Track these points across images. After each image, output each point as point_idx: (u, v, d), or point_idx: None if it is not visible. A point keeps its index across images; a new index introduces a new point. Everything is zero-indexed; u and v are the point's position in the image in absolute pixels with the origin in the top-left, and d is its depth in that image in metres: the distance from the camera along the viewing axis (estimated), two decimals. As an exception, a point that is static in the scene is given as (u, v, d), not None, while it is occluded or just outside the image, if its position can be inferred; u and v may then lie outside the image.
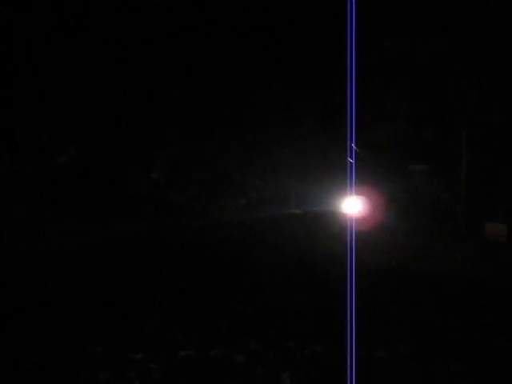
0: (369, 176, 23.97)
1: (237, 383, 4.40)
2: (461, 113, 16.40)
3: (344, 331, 5.65)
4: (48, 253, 14.61)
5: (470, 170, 17.67)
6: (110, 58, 21.55)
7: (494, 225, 14.99)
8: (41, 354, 4.88)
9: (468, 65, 16.17)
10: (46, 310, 7.08)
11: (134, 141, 24.48)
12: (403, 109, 19.84)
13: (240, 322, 6.27)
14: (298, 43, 21.01)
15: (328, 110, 22.05)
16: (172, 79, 22.47)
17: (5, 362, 4.71)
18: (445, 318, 6.51)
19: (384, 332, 5.80)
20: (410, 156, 22.20)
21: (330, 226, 16.85)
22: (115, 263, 11.69)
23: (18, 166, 20.32)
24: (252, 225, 21.44)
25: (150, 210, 28.08)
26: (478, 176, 18.20)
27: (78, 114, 21.74)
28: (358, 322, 6.10)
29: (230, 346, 5.15)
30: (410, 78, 18.82)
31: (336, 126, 20.15)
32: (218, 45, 22.24)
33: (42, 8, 16.58)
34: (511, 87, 16.74)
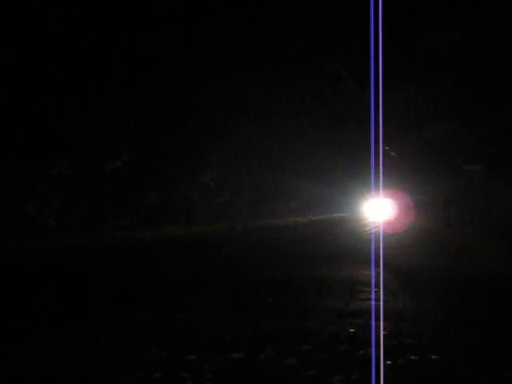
0: (400, 178, 23.56)
1: (288, 386, 4.41)
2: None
3: (397, 333, 5.59)
4: (108, 245, 15.05)
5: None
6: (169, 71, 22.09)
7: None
8: (98, 351, 5.03)
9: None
10: (108, 306, 7.26)
11: (186, 145, 24.96)
12: (455, 107, 19.35)
13: (292, 323, 6.29)
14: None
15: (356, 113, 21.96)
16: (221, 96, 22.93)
17: (69, 359, 4.85)
18: (502, 322, 6.33)
19: (436, 334, 5.70)
20: (463, 156, 21.59)
21: (358, 233, 16.76)
22: (184, 261, 11.91)
23: (77, 168, 21.11)
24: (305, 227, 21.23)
25: (203, 214, 28.51)
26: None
27: (132, 120, 22.35)
28: (409, 323, 6.03)
29: (281, 348, 5.17)
30: (461, 74, 18.34)
31: (363, 130, 20.14)
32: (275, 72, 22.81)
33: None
34: None
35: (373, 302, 7.60)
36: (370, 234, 18.69)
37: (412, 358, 4.88)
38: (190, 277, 10.55)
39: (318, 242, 17.21)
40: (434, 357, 4.88)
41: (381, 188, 21.15)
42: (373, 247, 14.86)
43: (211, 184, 28.02)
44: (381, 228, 20.89)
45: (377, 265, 11.23)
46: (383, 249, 14.32)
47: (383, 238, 16.92)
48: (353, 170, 28.54)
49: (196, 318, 6.60)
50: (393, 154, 23.24)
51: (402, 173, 24.67)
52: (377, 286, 8.97)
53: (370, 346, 5.23)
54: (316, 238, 19.41)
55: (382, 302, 7.58)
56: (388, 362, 4.76)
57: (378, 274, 10.41)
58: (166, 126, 24.06)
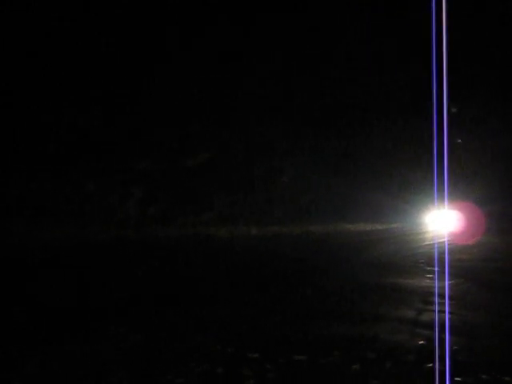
0: (468, 188, 22.44)
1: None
2: None
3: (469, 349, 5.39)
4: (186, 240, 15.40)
5: None
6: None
7: None
8: (167, 340, 5.19)
9: None
10: (177, 302, 7.45)
11: (263, 145, 25.17)
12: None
13: (360, 330, 6.21)
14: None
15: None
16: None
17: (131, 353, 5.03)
18: None
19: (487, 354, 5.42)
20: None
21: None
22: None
23: (163, 164, 21.86)
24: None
25: (279, 215, 28.62)
26: None
27: (213, 119, 22.85)
28: (483, 340, 5.78)
29: (347, 353, 5.11)
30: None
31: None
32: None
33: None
34: None
35: (446, 315, 7.35)
36: (439, 244, 18.07)
37: (483, 377, 4.68)
38: (262, 276, 10.62)
39: (385, 249, 16.84)
40: (506, 378, 4.66)
41: (446, 198, 20.43)
42: (447, 258, 14.35)
43: (287, 186, 28.18)
44: (448, 239, 20.13)
45: (453, 276, 10.84)
46: (457, 260, 13.82)
47: (454, 249, 16.34)
48: (415, 179, 27.91)
49: (265, 318, 6.64)
50: (459, 141, 22.14)
51: (471, 182, 23.76)
52: (452, 298, 8.66)
53: (439, 360, 5.07)
54: (384, 244, 19.01)
55: (455, 316, 7.32)
56: (457, 379, 4.60)
57: (454, 285, 10.05)
58: (246, 126, 24.37)
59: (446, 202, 22.03)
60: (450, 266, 12.47)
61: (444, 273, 11.51)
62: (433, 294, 9.00)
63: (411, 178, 29.34)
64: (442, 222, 26.67)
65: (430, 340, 5.81)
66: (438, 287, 9.84)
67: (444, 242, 18.42)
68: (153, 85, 20.07)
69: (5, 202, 17.07)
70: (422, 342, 5.71)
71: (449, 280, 10.43)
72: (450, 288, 9.74)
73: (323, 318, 6.81)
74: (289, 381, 4.37)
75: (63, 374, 4.13)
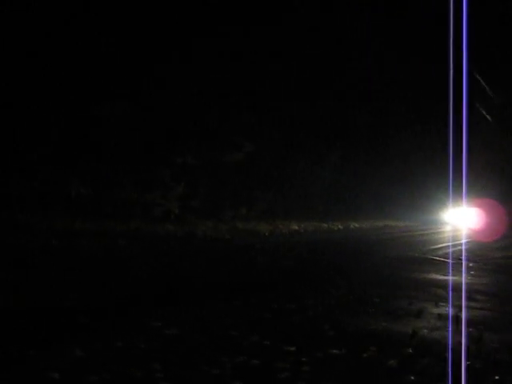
0: (488, 184, 21.77)
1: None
2: None
3: None
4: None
5: None
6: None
7: None
8: (202, 332, 5.26)
9: None
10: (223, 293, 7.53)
11: (307, 139, 25.14)
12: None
13: (398, 325, 6.16)
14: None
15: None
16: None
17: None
18: None
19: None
20: None
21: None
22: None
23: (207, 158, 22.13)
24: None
25: (320, 210, 28.52)
26: None
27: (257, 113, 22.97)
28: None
29: (384, 349, 5.08)
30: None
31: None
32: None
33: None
34: None
35: (488, 312, 7.22)
36: (465, 241, 17.65)
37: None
38: (298, 269, 10.61)
39: (413, 245, 16.65)
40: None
41: (465, 195, 19.87)
42: (494, 255, 14.02)
43: (326, 184, 28.15)
44: (469, 236, 19.60)
45: (494, 272, 10.63)
46: (491, 258, 13.54)
47: (481, 247, 16.02)
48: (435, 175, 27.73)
49: (302, 311, 6.66)
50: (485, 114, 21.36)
51: (490, 178, 23.07)
52: (494, 295, 8.50)
53: (477, 358, 4.99)
54: (409, 240, 18.85)
55: (496, 313, 7.18)
56: (496, 378, 4.52)
57: (496, 283, 9.86)
58: (286, 124, 24.43)
59: (464, 199, 21.57)
60: (491, 262, 12.23)
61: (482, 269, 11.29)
62: (476, 291, 8.84)
63: (430, 175, 29.33)
64: (461, 219, 26.12)
65: (472, 338, 5.71)
66: (480, 284, 9.66)
67: (461, 241, 17.97)
68: (193, 81, 20.28)
69: (51, 196, 17.56)
70: (459, 339, 5.62)
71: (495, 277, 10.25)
72: (493, 285, 9.57)
73: (361, 312, 6.78)
74: (324, 374, 4.37)
75: (97, 367, 4.23)
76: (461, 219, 26.15)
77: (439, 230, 23.81)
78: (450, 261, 12.17)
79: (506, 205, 21.84)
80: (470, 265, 11.91)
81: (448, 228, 24.84)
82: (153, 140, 20.56)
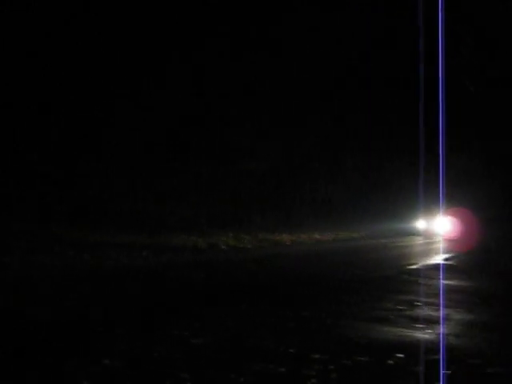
0: (463, 194, 21.43)
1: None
2: None
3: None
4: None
5: None
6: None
7: None
8: (229, 341, 5.32)
9: None
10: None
11: (320, 150, 25.19)
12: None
13: (425, 333, 6.17)
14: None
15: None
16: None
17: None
18: None
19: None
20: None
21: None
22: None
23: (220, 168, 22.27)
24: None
25: (335, 219, 28.44)
26: None
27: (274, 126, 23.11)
28: None
29: (411, 356, 5.10)
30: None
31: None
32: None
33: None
34: None
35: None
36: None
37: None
38: (319, 278, 10.61)
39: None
40: None
41: (441, 204, 19.62)
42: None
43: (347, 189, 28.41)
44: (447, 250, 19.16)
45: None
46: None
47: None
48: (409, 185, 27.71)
49: (329, 319, 6.68)
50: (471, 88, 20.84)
51: (465, 187, 22.69)
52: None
53: (504, 365, 4.98)
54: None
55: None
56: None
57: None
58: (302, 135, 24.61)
59: (440, 209, 21.39)
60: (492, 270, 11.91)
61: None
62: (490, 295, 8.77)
63: (406, 184, 29.42)
64: (437, 228, 25.95)
65: (496, 344, 5.70)
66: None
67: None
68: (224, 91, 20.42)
69: (83, 208, 17.78)
70: (485, 345, 5.61)
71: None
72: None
73: (387, 320, 6.79)
74: (351, 382, 4.41)
75: (126, 375, 4.31)
76: (435, 228, 26.16)
77: (410, 244, 23.45)
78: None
79: (480, 213, 21.47)
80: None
81: (420, 239, 24.70)
82: (172, 150, 20.76)
